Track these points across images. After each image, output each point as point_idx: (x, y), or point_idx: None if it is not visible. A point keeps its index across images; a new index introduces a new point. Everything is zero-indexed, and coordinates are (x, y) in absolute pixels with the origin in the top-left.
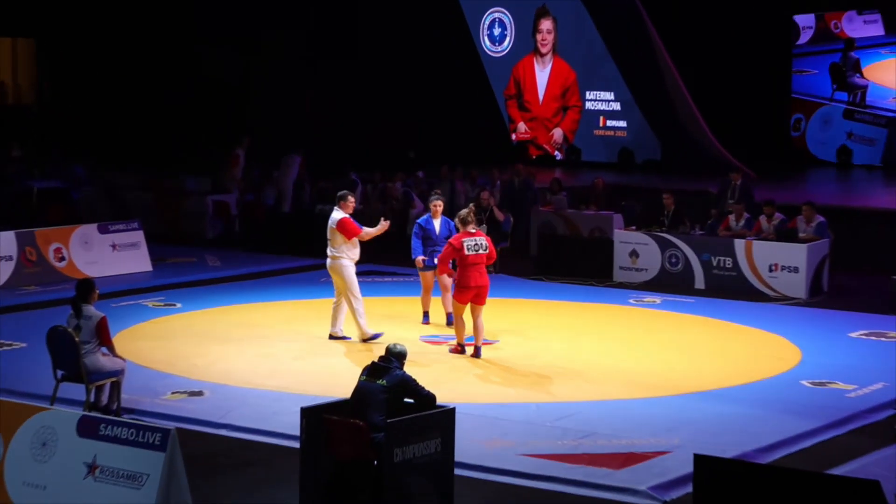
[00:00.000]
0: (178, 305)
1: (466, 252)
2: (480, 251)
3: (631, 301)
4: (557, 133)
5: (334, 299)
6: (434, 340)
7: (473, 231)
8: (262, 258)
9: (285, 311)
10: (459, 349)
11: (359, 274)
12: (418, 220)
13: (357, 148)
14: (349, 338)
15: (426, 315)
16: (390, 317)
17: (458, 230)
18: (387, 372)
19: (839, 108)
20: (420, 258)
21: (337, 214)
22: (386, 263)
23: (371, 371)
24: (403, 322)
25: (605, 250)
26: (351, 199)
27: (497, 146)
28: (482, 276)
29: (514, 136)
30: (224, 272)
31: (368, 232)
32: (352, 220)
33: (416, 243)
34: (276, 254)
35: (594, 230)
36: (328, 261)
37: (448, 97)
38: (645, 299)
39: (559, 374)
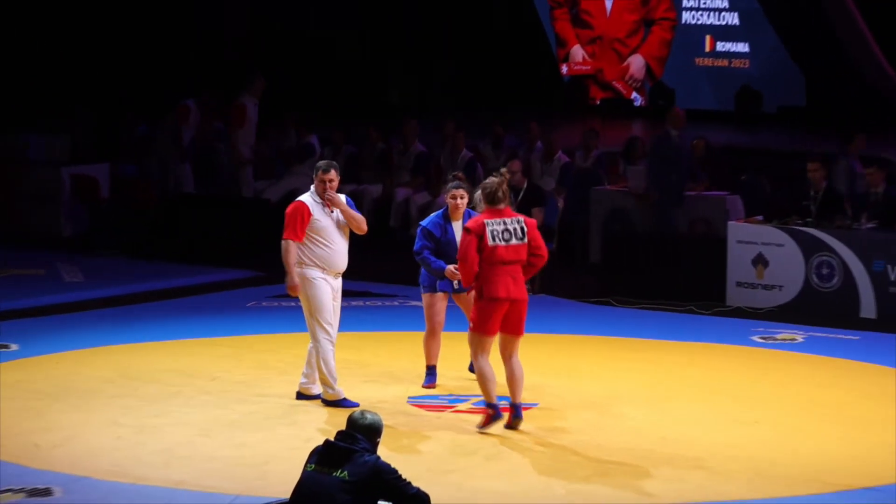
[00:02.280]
0: (14, 347)
1: (491, 242)
2: (514, 241)
3: (755, 339)
4: (636, 63)
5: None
6: (429, 404)
7: (502, 208)
8: (151, 269)
9: (188, 357)
10: (492, 415)
11: None
12: (424, 223)
13: (306, 88)
14: (354, 404)
15: (431, 371)
16: (361, 364)
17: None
18: (349, 457)
19: None
20: (452, 267)
21: (301, 195)
22: (355, 277)
23: (324, 456)
24: (379, 373)
25: (714, 255)
26: (329, 174)
27: (538, 85)
28: (517, 285)
29: (564, 69)
30: (89, 292)
31: (288, 256)
32: (304, 209)
33: (426, 257)
34: (175, 262)
35: (696, 223)
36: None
37: (456, 4)
38: (778, 335)
39: (638, 458)
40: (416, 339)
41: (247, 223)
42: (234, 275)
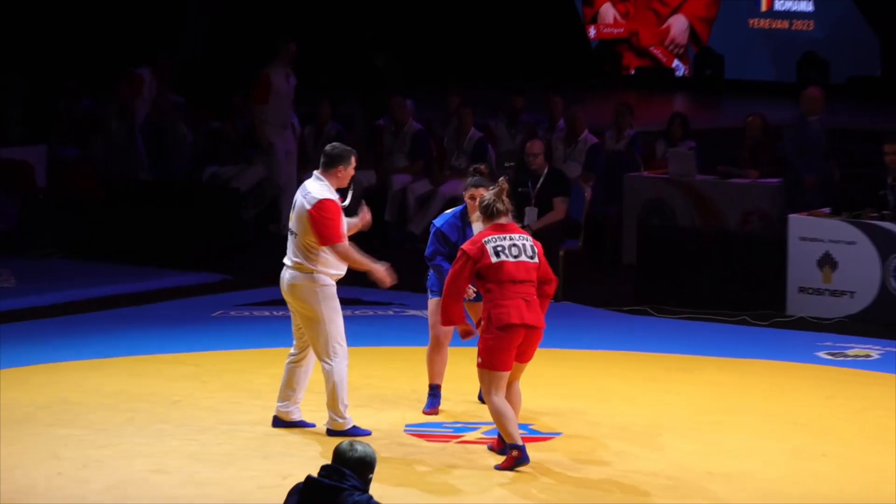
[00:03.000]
0: None
1: (495, 259)
2: (523, 257)
3: (822, 355)
4: (678, 25)
5: (291, 350)
6: (431, 433)
7: (505, 223)
8: (97, 272)
9: (142, 377)
10: (517, 458)
11: None
12: (437, 224)
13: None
14: (311, 425)
15: (434, 392)
16: (349, 386)
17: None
18: (336, 497)
19: None
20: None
21: (316, 190)
22: (342, 281)
23: (307, 495)
24: (371, 396)
25: (772, 255)
26: (349, 162)
27: (561, 52)
28: (531, 309)
29: (592, 32)
30: (22, 300)
31: (352, 254)
32: (337, 207)
33: (439, 264)
34: (126, 264)
35: (749, 215)
36: (287, 275)
37: None
38: (850, 351)
39: (680, 496)
40: (415, 355)
41: (212, 217)
42: (196, 279)
